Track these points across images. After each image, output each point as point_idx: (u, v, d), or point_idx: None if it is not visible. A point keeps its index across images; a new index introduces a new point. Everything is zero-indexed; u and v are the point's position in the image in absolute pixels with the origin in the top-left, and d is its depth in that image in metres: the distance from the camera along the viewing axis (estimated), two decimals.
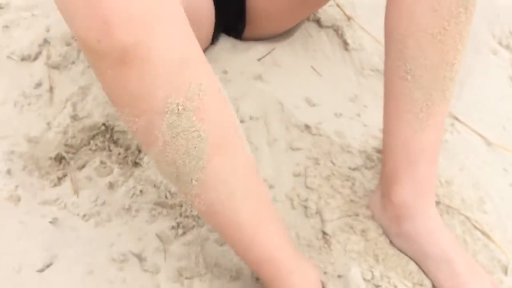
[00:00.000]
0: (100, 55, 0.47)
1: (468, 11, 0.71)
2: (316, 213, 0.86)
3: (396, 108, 0.78)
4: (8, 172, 0.86)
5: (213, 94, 0.54)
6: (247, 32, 1.06)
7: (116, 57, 0.46)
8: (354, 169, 0.93)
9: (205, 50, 1.01)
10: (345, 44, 1.13)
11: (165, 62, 0.48)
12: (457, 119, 1.04)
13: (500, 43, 1.21)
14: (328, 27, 1.14)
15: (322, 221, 0.84)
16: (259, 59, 1.04)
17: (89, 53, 0.48)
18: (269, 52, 1.05)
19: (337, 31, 1.14)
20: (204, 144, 0.53)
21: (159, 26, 0.47)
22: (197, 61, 0.52)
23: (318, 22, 1.14)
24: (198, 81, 0.51)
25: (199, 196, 0.58)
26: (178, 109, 0.50)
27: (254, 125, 0.95)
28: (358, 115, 1.03)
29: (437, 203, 0.90)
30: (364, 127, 1.01)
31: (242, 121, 0.94)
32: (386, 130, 0.81)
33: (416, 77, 0.74)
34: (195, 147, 0.53)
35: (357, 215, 0.85)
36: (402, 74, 0.75)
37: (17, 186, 0.85)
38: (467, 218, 0.88)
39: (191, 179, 0.55)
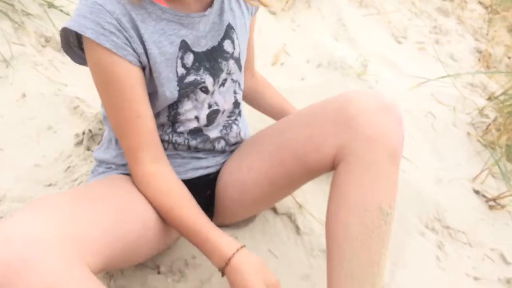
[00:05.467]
0: None
1: (387, 223, 0.93)
2: None
3: None
4: None
5: None
6: (213, 220, 1.24)
7: None
8: None
9: (176, 239, 1.18)
10: (297, 228, 1.33)
11: None
12: None
13: (427, 227, 1.45)
14: (282, 214, 1.35)
15: None
16: None
17: None
18: None
19: (290, 217, 1.35)
20: None
21: None
22: None
23: (274, 210, 1.35)
24: None
25: None
26: None
27: None
28: None
29: None
30: None
31: None
32: None
33: (351, 274, 0.93)
34: None
35: None
36: (342, 273, 0.93)
37: None
38: None
39: None
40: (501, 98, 1.89)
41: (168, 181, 0.99)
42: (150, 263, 1.15)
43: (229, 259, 0.90)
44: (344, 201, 0.93)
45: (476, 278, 1.36)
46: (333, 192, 0.96)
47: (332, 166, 0.99)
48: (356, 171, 0.92)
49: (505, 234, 1.50)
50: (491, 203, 1.54)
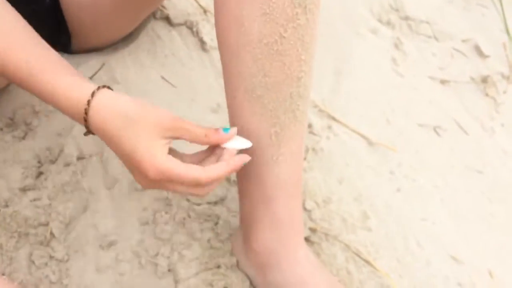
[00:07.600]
0: None
1: (308, 11, 0.56)
2: (169, 271, 0.70)
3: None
4: None
5: None
6: (75, 44, 0.86)
7: None
8: (216, 203, 0.77)
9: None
10: (202, 43, 0.96)
11: None
12: (334, 119, 0.91)
13: (380, 20, 1.09)
14: (180, 24, 0.96)
15: (176, 281, 0.69)
16: (90, 77, 0.84)
17: None
18: (101, 67, 0.85)
19: (192, 28, 0.96)
20: None
21: None
22: None
23: (167, 19, 0.96)
24: None
25: None
26: None
27: (87, 165, 0.77)
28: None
29: (314, 230, 0.78)
30: None
31: (68, 164, 0.76)
32: None
33: (256, 98, 0.58)
34: None
35: (218, 267, 0.71)
36: (241, 96, 0.59)
37: None
38: (347, 246, 0.76)
39: None
40: None
41: None
42: None
43: (85, 110, 0.53)
44: None
45: (443, 81, 1.06)
46: None
47: None
48: None
49: (480, 19, 1.16)
50: None
